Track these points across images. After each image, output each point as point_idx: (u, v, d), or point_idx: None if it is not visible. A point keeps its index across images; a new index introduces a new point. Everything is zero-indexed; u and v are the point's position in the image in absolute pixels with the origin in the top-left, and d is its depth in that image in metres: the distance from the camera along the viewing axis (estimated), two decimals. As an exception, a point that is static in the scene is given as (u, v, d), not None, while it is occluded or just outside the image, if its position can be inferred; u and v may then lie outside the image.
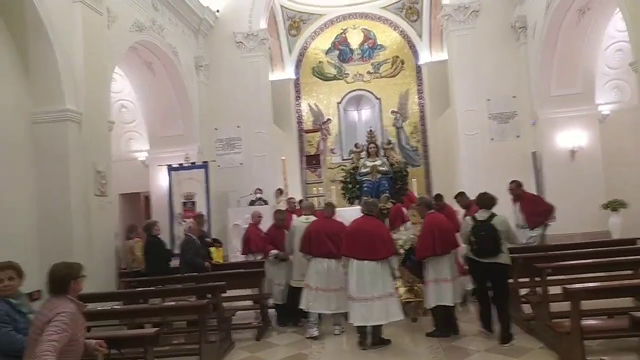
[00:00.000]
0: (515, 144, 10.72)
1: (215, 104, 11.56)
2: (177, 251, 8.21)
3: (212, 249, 7.97)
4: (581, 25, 9.36)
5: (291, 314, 6.47)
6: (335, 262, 5.83)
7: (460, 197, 7.22)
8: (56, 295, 3.02)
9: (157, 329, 3.79)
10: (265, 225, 7.66)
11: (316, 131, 14.00)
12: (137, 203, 12.25)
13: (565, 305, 4.46)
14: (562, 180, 9.66)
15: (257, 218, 7.72)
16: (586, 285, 4.44)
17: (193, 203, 10.00)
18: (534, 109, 10.38)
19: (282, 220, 6.84)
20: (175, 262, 7.36)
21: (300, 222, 6.50)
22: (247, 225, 8.11)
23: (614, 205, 9.20)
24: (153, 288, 5.92)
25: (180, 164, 10.27)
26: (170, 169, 10.22)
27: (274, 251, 6.52)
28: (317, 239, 5.87)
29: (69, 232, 6.30)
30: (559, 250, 6.39)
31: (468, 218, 5.68)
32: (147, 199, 12.13)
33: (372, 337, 5.35)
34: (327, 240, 5.83)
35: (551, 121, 10.11)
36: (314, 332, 5.84)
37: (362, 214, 5.70)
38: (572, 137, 9.99)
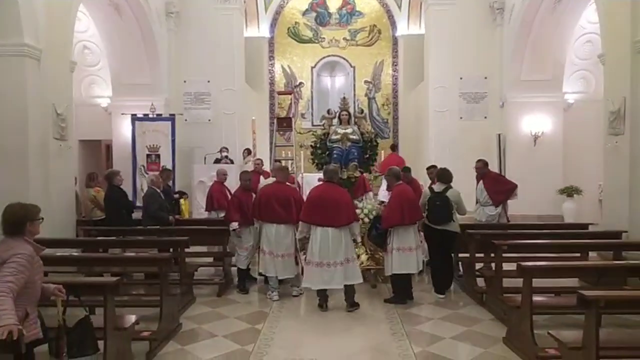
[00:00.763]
0: (482, 124, 10.96)
1: (184, 55, 11.11)
2: (139, 204, 8.06)
3: (182, 201, 7.87)
4: (556, 14, 9.52)
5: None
6: (285, 227, 5.85)
7: (431, 170, 7.37)
8: (12, 236, 2.91)
9: (117, 277, 3.71)
10: (230, 184, 7.62)
11: (289, 94, 13.76)
12: (97, 151, 11.82)
13: (516, 282, 4.71)
14: (523, 163, 10.01)
15: (222, 176, 7.65)
16: (540, 263, 4.67)
17: (157, 156, 9.73)
18: (503, 92, 10.60)
19: (247, 181, 6.56)
20: (137, 215, 7.22)
21: (263, 186, 6.48)
22: (212, 183, 8.01)
23: (570, 191, 9.67)
24: (114, 238, 5.77)
25: (146, 115, 9.91)
26: (135, 118, 9.85)
27: (234, 224, 6.19)
28: (266, 204, 5.85)
29: (25, 174, 6.01)
30: (516, 230, 6.69)
31: (426, 189, 6.30)
32: (108, 147, 11.72)
33: (347, 300, 5.48)
34: (276, 206, 5.80)
35: (518, 105, 10.38)
36: (274, 296, 5.89)
37: (323, 181, 5.71)
38: (536, 122, 10.31)
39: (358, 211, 6.25)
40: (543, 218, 9.09)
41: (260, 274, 6.37)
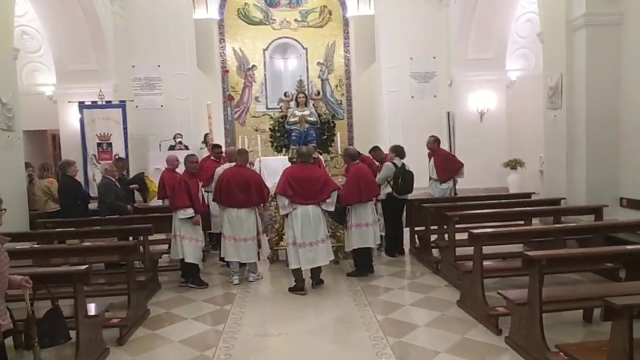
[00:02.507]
0: (432, 102, 11.37)
1: (132, 40, 10.77)
2: (93, 194, 7.87)
3: (148, 180, 7.71)
4: (498, -6, 9.95)
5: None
6: (246, 211, 5.80)
7: (375, 151, 7.69)
8: None
9: (86, 266, 3.71)
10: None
11: (225, 72, 13.49)
12: (43, 141, 11.34)
13: (468, 250, 5.07)
14: (471, 139, 10.50)
15: (174, 162, 7.40)
16: (488, 230, 5.04)
17: (109, 144, 9.48)
18: (450, 71, 11.01)
19: (194, 163, 6.00)
20: (92, 205, 7.07)
21: (223, 170, 6.38)
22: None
23: (513, 164, 10.27)
24: (74, 229, 5.66)
25: (94, 102, 9.59)
26: (83, 106, 9.52)
27: (189, 211, 5.69)
28: (227, 189, 5.79)
29: (-28, 168, 5.75)
30: (466, 202, 7.10)
31: (390, 164, 6.79)
32: (54, 137, 11.26)
33: (314, 278, 5.64)
34: (236, 190, 5.75)
35: (465, 83, 10.82)
36: (235, 279, 5.92)
37: (298, 162, 5.73)
38: (482, 99, 10.81)
39: None
40: (490, 190, 9.62)
41: (221, 259, 6.30)
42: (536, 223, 7.07)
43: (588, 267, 5.05)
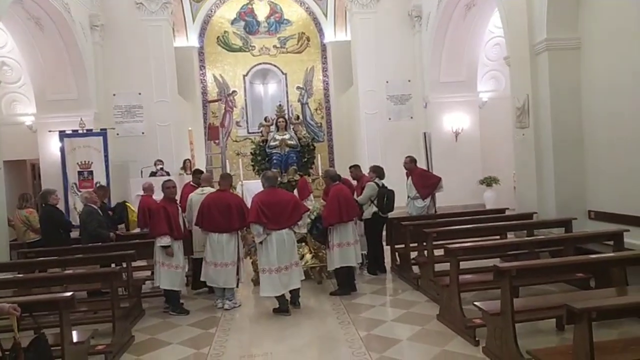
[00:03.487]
0: (409, 124, 11.71)
1: (112, 68, 10.91)
2: (74, 223, 7.86)
3: (129, 204, 7.74)
4: (467, 20, 10.43)
5: (200, 285, 6.50)
6: (227, 236, 5.79)
7: (355, 168, 7.90)
8: None
9: (71, 293, 3.76)
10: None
11: (216, 101, 13.83)
12: (22, 171, 11.27)
13: (446, 266, 5.23)
14: (447, 158, 10.82)
15: (150, 189, 7.43)
16: (462, 245, 5.24)
17: (90, 172, 9.50)
18: (425, 93, 11.40)
19: (171, 188, 6.02)
20: (74, 234, 7.07)
21: (197, 195, 6.47)
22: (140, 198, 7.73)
23: (489, 181, 10.60)
24: (55, 257, 5.66)
25: (75, 131, 9.64)
26: (63, 135, 9.56)
27: (166, 239, 5.70)
28: (208, 213, 5.80)
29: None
30: (443, 218, 7.32)
31: (372, 184, 7.07)
32: (34, 166, 11.22)
33: (295, 299, 5.72)
34: (217, 215, 5.75)
35: (439, 105, 11.20)
36: (219, 303, 5.93)
37: (266, 188, 5.75)
38: (456, 120, 11.18)
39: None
40: (468, 207, 9.88)
41: (204, 284, 6.25)
42: (512, 237, 7.31)
43: (560, 277, 5.26)
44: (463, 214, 7.82)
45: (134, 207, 8.03)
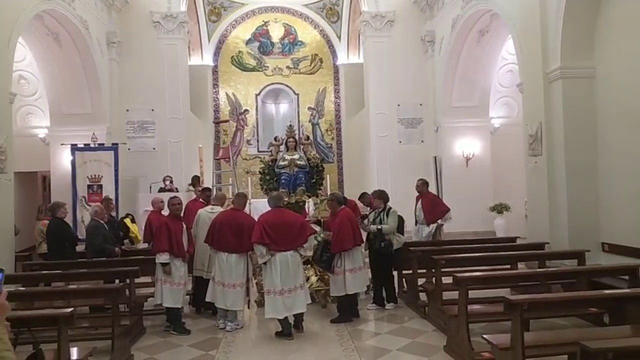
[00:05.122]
0: (419, 147, 11.66)
1: (127, 84, 11.05)
2: (81, 236, 7.86)
3: (127, 220, 7.70)
4: (480, 45, 10.45)
5: (200, 303, 6.44)
6: (236, 257, 5.70)
7: (363, 197, 8.10)
8: None
9: (72, 308, 3.70)
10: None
11: (225, 122, 13.96)
12: (33, 183, 11.35)
13: (455, 294, 5.09)
14: (458, 183, 10.72)
15: (159, 204, 7.39)
16: (472, 273, 5.11)
17: (100, 186, 9.52)
18: (437, 117, 11.37)
19: (177, 205, 5.96)
20: (80, 247, 7.05)
21: (205, 212, 6.47)
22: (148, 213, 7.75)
23: (500, 208, 10.44)
24: (59, 271, 5.63)
25: (87, 144, 9.71)
26: (75, 148, 9.62)
27: (164, 256, 5.63)
28: (219, 232, 5.71)
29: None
30: (452, 245, 7.18)
31: (395, 211, 6.72)
32: (44, 178, 11.30)
33: (298, 323, 5.58)
34: (228, 234, 5.67)
35: (451, 130, 11.15)
36: (221, 324, 5.81)
37: (271, 208, 5.68)
38: (467, 145, 11.11)
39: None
40: (478, 234, 9.73)
41: (208, 303, 6.13)
42: (523, 267, 7.14)
43: (572, 311, 5.10)
44: (473, 241, 7.69)
45: (139, 221, 8.03)
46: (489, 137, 11.29)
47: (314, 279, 6.76)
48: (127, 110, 11.09)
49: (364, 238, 6.46)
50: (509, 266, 6.75)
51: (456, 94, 11.03)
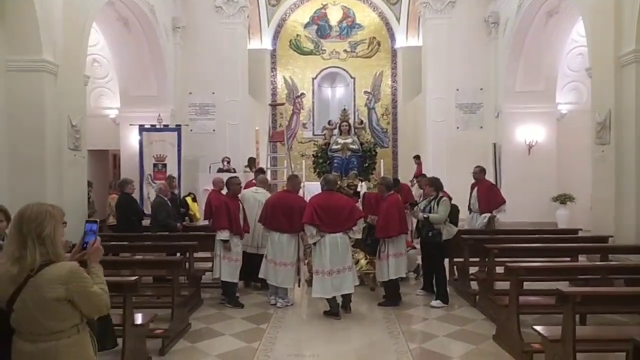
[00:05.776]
0: (478, 134, 11.31)
1: (190, 68, 11.52)
2: (147, 211, 8.38)
3: (189, 199, 8.11)
4: (548, 27, 9.89)
5: (248, 277, 6.67)
6: (287, 237, 5.88)
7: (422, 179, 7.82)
8: None
9: (136, 277, 4.01)
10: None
11: (281, 104, 14.21)
12: (104, 160, 12.18)
13: (507, 284, 4.98)
14: (518, 172, 10.33)
15: (219, 184, 7.64)
16: (525, 264, 4.97)
17: (164, 165, 10.07)
18: (498, 103, 10.95)
19: (237, 185, 6.31)
20: (146, 222, 7.53)
21: (249, 192, 6.84)
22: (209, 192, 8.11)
23: (563, 199, 9.97)
24: (126, 243, 6.07)
25: (153, 125, 10.27)
26: (142, 129, 10.21)
27: (225, 234, 5.88)
28: (271, 212, 5.93)
29: (42, 182, 6.31)
30: (508, 235, 6.98)
31: (447, 200, 6.28)
32: (115, 156, 12.08)
33: (346, 304, 5.70)
34: (280, 215, 5.86)
35: (513, 115, 10.71)
36: (272, 300, 6.02)
37: (324, 190, 5.79)
38: (530, 132, 10.64)
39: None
40: (537, 225, 9.35)
41: (260, 279, 6.36)
42: (584, 261, 6.82)
43: (633, 308, 4.83)
44: (530, 231, 7.43)
45: (199, 200, 8.43)
46: (555, 123, 10.75)
47: (363, 262, 6.84)
48: (190, 93, 11.58)
49: (414, 226, 6.41)
50: (568, 259, 6.51)
51: (520, 78, 10.55)
